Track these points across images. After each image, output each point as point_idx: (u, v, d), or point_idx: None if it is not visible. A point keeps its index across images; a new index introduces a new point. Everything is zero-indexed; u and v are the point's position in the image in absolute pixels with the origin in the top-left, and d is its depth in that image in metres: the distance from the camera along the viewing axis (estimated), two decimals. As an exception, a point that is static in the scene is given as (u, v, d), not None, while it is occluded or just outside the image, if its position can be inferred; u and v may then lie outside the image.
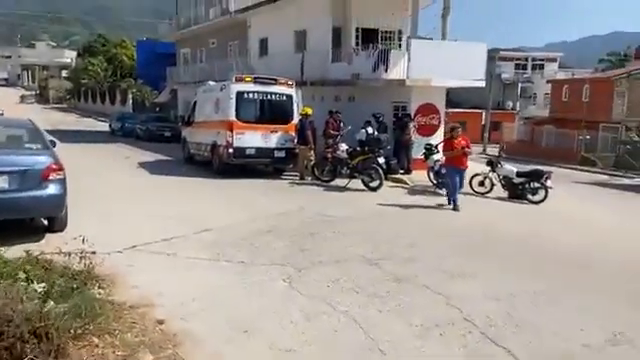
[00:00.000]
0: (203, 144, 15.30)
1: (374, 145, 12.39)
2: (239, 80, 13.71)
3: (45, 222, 7.11)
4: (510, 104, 48.15)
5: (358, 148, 12.90)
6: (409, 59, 14.64)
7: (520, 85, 48.94)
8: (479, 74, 15.49)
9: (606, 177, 24.02)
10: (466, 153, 10.77)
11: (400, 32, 19.71)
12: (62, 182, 6.63)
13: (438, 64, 14.38)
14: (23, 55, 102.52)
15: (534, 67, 54.28)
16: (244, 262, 6.17)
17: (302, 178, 13.90)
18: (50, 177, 6.47)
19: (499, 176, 12.78)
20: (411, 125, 14.94)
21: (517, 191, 12.43)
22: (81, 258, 5.25)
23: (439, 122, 16.01)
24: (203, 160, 15.74)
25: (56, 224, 6.97)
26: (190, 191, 11.65)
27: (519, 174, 12.56)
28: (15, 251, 5.67)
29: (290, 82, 14.30)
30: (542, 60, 55.28)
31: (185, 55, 32.63)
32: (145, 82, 43.80)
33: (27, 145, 6.92)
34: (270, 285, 5.46)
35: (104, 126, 35.35)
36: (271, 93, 13.89)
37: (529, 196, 12.25)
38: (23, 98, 69.57)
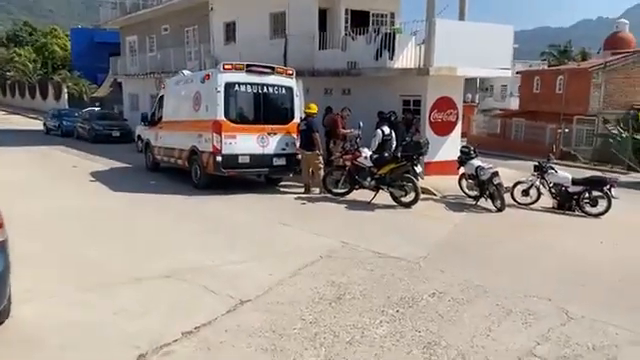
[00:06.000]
0: (177, 149, 12.16)
1: (412, 150, 9.77)
2: (228, 69, 10.70)
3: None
4: (469, 96, 47.39)
5: (386, 154, 10.26)
6: (427, 43, 12.14)
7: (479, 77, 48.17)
8: (506, 62, 13.22)
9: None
10: None
11: (392, 15, 17.42)
12: (1, 249, 3.58)
13: (462, 50, 11.97)
14: None
15: (488, 59, 53.89)
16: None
17: (307, 191, 11.19)
18: (-24, 243, 3.44)
19: (549, 184, 10.78)
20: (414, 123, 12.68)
21: (570, 201, 10.54)
22: None
23: (457, 118, 13.64)
24: (172, 167, 12.72)
25: (-10, 316, 3.93)
26: (177, 219, 8.59)
27: (575, 182, 10.64)
28: None
29: (290, 71, 11.44)
30: (496, 52, 54.91)
31: (131, 44, 28.63)
32: (82, 75, 39.18)
33: None
34: None
35: (37, 124, 30.78)
36: (268, 85, 10.99)
37: (587, 208, 10.45)
38: None
